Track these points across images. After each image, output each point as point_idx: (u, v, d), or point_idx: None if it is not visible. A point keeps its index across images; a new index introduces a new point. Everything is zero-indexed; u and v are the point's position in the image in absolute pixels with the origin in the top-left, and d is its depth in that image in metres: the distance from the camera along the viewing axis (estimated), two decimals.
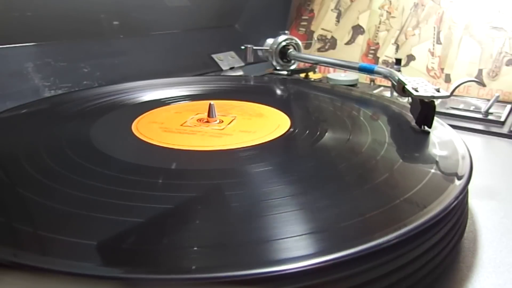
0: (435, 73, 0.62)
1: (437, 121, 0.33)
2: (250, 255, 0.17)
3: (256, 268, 0.16)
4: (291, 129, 0.32)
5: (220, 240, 0.18)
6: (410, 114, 0.35)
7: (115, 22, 0.55)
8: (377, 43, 0.68)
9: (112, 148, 0.28)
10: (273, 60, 0.59)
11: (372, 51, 0.68)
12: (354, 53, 0.70)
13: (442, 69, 0.61)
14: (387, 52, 0.67)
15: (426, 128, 0.32)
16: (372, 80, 0.61)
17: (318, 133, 0.31)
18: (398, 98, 0.43)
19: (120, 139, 0.31)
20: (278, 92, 0.48)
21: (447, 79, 0.61)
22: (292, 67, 0.61)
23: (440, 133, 0.32)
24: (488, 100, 0.50)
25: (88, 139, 0.30)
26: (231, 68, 0.66)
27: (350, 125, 0.33)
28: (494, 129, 0.45)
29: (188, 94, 0.44)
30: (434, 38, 0.62)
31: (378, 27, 0.68)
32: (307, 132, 0.32)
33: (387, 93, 0.54)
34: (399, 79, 0.37)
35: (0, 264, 0.16)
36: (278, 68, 0.60)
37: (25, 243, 0.18)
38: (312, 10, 0.75)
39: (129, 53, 0.56)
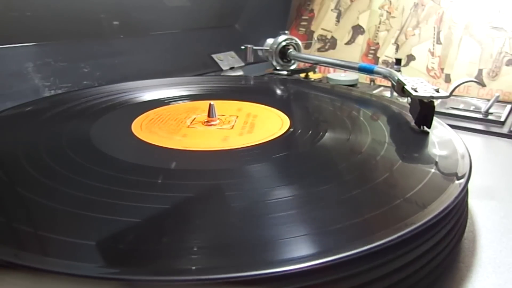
0: (435, 73, 0.62)
1: (436, 121, 0.33)
2: (250, 256, 0.17)
3: (256, 268, 0.16)
4: (291, 129, 0.32)
5: (220, 240, 0.18)
6: (409, 114, 0.35)
7: (115, 22, 0.55)
8: (377, 43, 0.68)
9: (112, 148, 0.28)
10: (273, 60, 0.59)
11: (372, 51, 0.68)
12: (354, 53, 0.70)
13: (442, 69, 0.61)
14: (387, 52, 0.66)
15: (426, 128, 0.32)
16: (372, 80, 0.61)
17: (319, 133, 0.31)
18: (398, 98, 0.43)
19: (120, 139, 0.31)
20: (278, 92, 0.48)
21: (447, 79, 0.61)
22: (292, 67, 0.61)
23: (440, 133, 0.32)
24: (488, 100, 0.50)
25: (88, 139, 0.30)
26: (231, 68, 0.66)
27: (350, 125, 0.33)
28: (494, 129, 0.45)
29: (188, 94, 0.44)
30: (434, 38, 0.62)
31: (378, 27, 0.68)
32: (307, 132, 0.32)
33: (387, 93, 0.54)
34: (398, 79, 0.37)
35: (1, 264, 0.16)
36: (278, 68, 0.60)
37: (25, 243, 0.18)
38: (312, 10, 0.75)
39: (129, 53, 0.56)
